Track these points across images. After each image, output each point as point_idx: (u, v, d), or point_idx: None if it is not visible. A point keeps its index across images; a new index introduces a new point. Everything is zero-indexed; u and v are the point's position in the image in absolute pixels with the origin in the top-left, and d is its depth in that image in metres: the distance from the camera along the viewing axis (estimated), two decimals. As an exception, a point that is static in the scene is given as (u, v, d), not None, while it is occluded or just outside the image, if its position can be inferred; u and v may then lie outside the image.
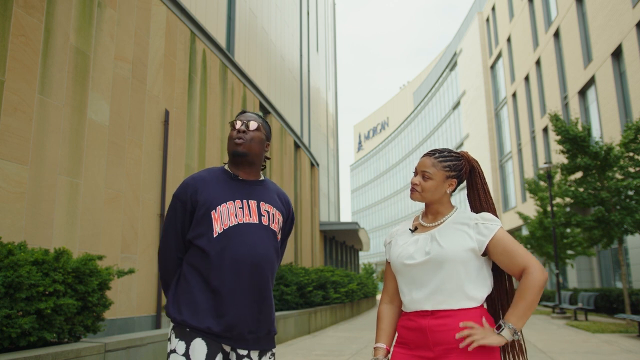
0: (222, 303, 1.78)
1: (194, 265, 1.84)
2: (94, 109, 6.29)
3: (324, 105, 29.89)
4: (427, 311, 1.71)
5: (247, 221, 1.86)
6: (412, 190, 1.85)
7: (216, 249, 1.80)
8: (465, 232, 1.74)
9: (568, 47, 22.24)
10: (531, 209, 24.67)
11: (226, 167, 2.00)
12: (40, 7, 5.43)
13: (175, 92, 8.54)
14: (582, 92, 21.17)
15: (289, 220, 2.09)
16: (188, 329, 1.78)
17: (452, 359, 1.65)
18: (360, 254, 69.15)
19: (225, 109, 10.83)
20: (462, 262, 1.70)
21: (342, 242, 29.56)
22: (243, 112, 2.01)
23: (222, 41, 11.25)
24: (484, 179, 1.91)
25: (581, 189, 12.97)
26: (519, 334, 1.64)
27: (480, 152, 37.35)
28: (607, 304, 15.25)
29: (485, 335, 1.61)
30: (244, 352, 1.83)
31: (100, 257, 4.39)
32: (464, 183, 1.96)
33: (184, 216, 1.89)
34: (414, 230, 1.86)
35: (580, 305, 14.79)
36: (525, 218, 20.76)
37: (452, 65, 46.88)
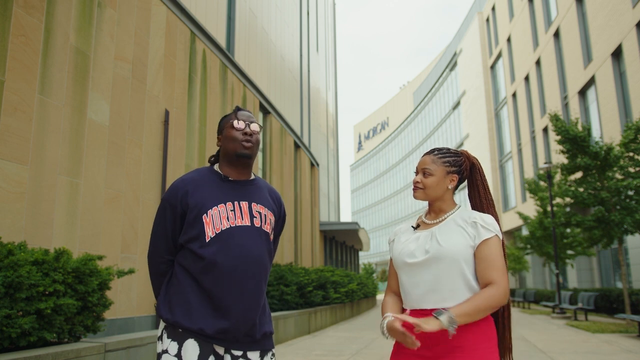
0: (216, 305, 1.77)
1: (186, 267, 1.82)
2: (94, 109, 6.29)
3: (324, 105, 29.88)
4: (426, 309, 1.71)
5: (239, 224, 1.84)
6: (415, 188, 1.86)
7: (209, 253, 1.78)
8: (464, 229, 1.75)
9: (568, 47, 22.25)
10: (531, 209, 24.67)
11: (215, 167, 1.97)
12: (40, 7, 5.43)
13: (175, 92, 8.54)
14: (582, 92, 21.17)
15: (281, 219, 2.07)
16: (180, 330, 1.77)
17: (452, 359, 1.65)
18: (360, 254, 69.14)
19: (225, 109, 10.83)
20: (462, 260, 1.70)
21: (342, 242, 29.56)
22: (239, 109, 1.97)
23: (222, 41, 11.25)
24: (484, 176, 1.92)
25: (581, 189, 12.96)
26: (455, 326, 1.59)
27: (480, 152, 37.35)
28: (607, 304, 15.25)
29: (426, 321, 1.59)
30: (238, 353, 1.81)
31: (100, 257, 4.38)
32: (466, 183, 1.96)
33: (174, 220, 1.85)
34: (417, 227, 1.87)
35: (580, 305, 14.79)
36: (525, 218, 20.76)
37: (452, 65, 46.88)
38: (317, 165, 22.40)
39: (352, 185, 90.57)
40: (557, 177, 17.53)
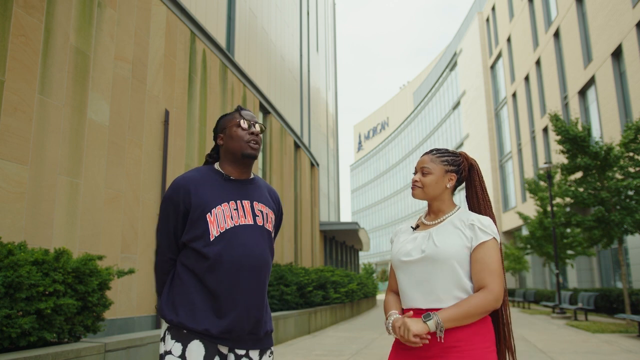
0: (221, 305, 1.77)
1: (189, 267, 1.81)
2: (94, 109, 6.29)
3: (324, 105, 29.89)
4: (422, 309, 1.72)
5: (243, 223, 1.84)
6: (414, 187, 1.87)
7: (214, 251, 1.78)
8: (461, 230, 1.75)
9: (568, 47, 22.24)
10: (531, 209, 24.67)
11: (216, 166, 1.96)
12: (40, 7, 5.43)
13: (175, 92, 8.54)
14: (582, 92, 21.17)
15: (279, 218, 2.08)
16: (185, 331, 1.76)
17: (450, 358, 1.65)
18: (360, 254, 69.15)
19: (225, 109, 10.83)
20: (457, 261, 1.71)
21: (342, 242, 29.56)
22: (241, 108, 1.97)
23: (222, 41, 11.25)
24: (482, 177, 1.93)
25: (581, 189, 12.96)
26: (442, 330, 1.62)
27: (480, 152, 37.36)
28: (607, 304, 15.25)
29: (414, 324, 1.62)
30: (241, 352, 1.81)
31: (100, 257, 4.38)
32: (464, 184, 1.96)
33: (176, 218, 1.85)
34: (416, 228, 1.88)
35: (580, 305, 14.79)
36: (525, 218, 20.77)
37: (452, 65, 46.88)
38: (317, 165, 22.40)
39: (352, 185, 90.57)
40: (557, 177, 17.53)
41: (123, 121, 6.90)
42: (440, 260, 1.70)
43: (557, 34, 23.86)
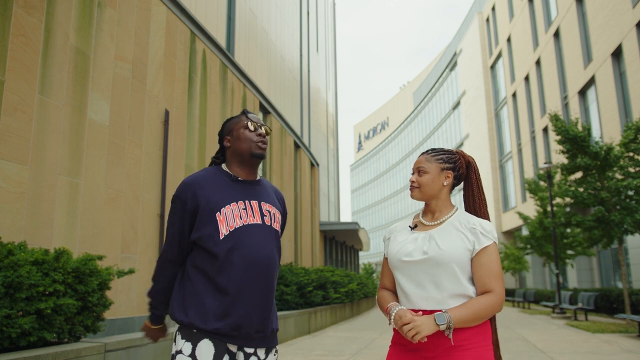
0: (230, 303, 1.80)
1: (199, 267, 1.85)
2: (94, 109, 6.29)
3: (324, 105, 29.89)
4: (425, 310, 1.72)
5: (252, 222, 1.88)
6: (411, 188, 1.88)
7: (224, 250, 1.82)
8: (464, 233, 1.76)
9: (568, 47, 22.25)
10: (531, 209, 24.67)
11: (223, 166, 2.00)
12: (40, 7, 5.43)
13: (175, 92, 8.54)
14: (582, 92, 21.17)
15: (283, 218, 2.13)
16: (195, 330, 1.80)
17: (453, 358, 1.65)
18: (360, 254, 69.15)
19: (225, 109, 10.83)
20: (459, 263, 1.72)
21: (342, 242, 29.56)
22: (247, 111, 2.03)
23: (222, 41, 11.25)
24: (479, 175, 1.94)
25: (581, 189, 12.96)
26: (451, 331, 1.64)
27: (480, 152, 37.36)
28: (607, 304, 15.25)
29: (426, 326, 1.63)
30: (250, 350, 1.86)
31: (100, 257, 4.38)
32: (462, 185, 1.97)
33: (183, 216, 1.89)
34: (414, 227, 1.87)
35: (580, 305, 14.79)
36: (525, 218, 20.77)
37: (452, 65, 46.88)
38: (317, 165, 22.40)
39: (352, 185, 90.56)
40: (557, 177, 17.53)
41: (123, 121, 6.90)
42: (444, 262, 1.71)
43: (557, 34, 23.86)
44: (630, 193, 11.94)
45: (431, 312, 1.70)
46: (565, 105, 23.03)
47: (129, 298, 6.74)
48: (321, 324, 11.56)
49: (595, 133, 19.13)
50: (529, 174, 27.28)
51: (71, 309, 3.88)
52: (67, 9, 5.86)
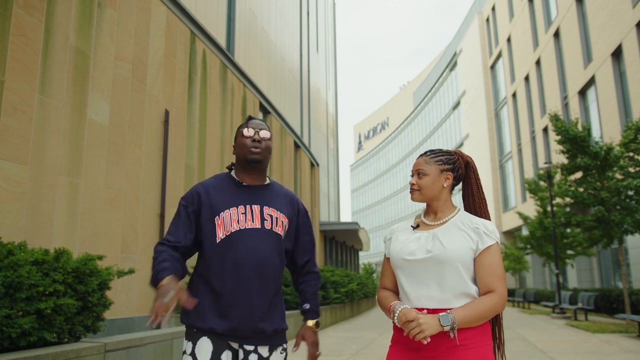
0: (225, 305, 1.87)
1: (200, 271, 1.94)
2: (94, 109, 6.29)
3: (324, 105, 29.89)
4: (428, 309, 1.72)
5: (249, 226, 1.93)
6: (412, 190, 1.88)
7: (218, 253, 1.89)
8: (467, 233, 1.77)
9: (568, 47, 22.25)
10: (531, 209, 24.67)
11: (232, 173, 2.07)
12: (40, 7, 5.43)
13: (175, 92, 8.54)
14: (582, 92, 21.17)
15: (301, 215, 2.14)
16: (195, 330, 1.88)
17: (454, 357, 1.66)
18: (360, 254, 69.14)
19: (225, 109, 10.83)
20: (463, 262, 1.72)
21: (342, 242, 29.55)
22: (251, 118, 2.10)
23: (222, 41, 11.25)
24: (478, 174, 1.94)
25: (581, 189, 12.96)
26: (455, 331, 1.64)
27: (480, 152, 37.36)
28: (607, 304, 15.25)
29: (430, 326, 1.62)
30: (250, 348, 1.90)
31: (100, 257, 4.38)
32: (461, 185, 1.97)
33: (186, 214, 1.96)
34: (416, 227, 1.87)
35: (580, 305, 14.79)
36: (525, 218, 20.77)
37: (452, 65, 46.88)
38: (317, 165, 22.40)
39: (352, 185, 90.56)
40: (557, 177, 17.53)
41: (123, 121, 6.90)
42: (448, 261, 1.71)
43: (557, 34, 23.87)
44: (630, 193, 11.93)
45: (434, 311, 1.71)
46: (565, 105, 23.03)
47: (129, 298, 6.74)
48: (321, 324, 11.56)
49: (595, 133, 19.13)
50: (529, 174, 27.28)
51: (71, 309, 3.88)
52: (67, 9, 5.86)
